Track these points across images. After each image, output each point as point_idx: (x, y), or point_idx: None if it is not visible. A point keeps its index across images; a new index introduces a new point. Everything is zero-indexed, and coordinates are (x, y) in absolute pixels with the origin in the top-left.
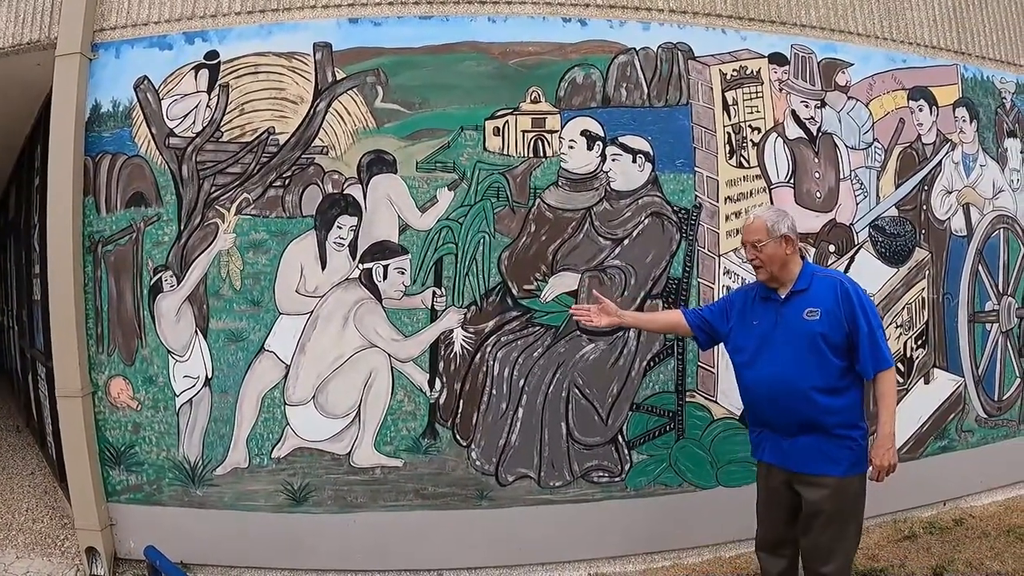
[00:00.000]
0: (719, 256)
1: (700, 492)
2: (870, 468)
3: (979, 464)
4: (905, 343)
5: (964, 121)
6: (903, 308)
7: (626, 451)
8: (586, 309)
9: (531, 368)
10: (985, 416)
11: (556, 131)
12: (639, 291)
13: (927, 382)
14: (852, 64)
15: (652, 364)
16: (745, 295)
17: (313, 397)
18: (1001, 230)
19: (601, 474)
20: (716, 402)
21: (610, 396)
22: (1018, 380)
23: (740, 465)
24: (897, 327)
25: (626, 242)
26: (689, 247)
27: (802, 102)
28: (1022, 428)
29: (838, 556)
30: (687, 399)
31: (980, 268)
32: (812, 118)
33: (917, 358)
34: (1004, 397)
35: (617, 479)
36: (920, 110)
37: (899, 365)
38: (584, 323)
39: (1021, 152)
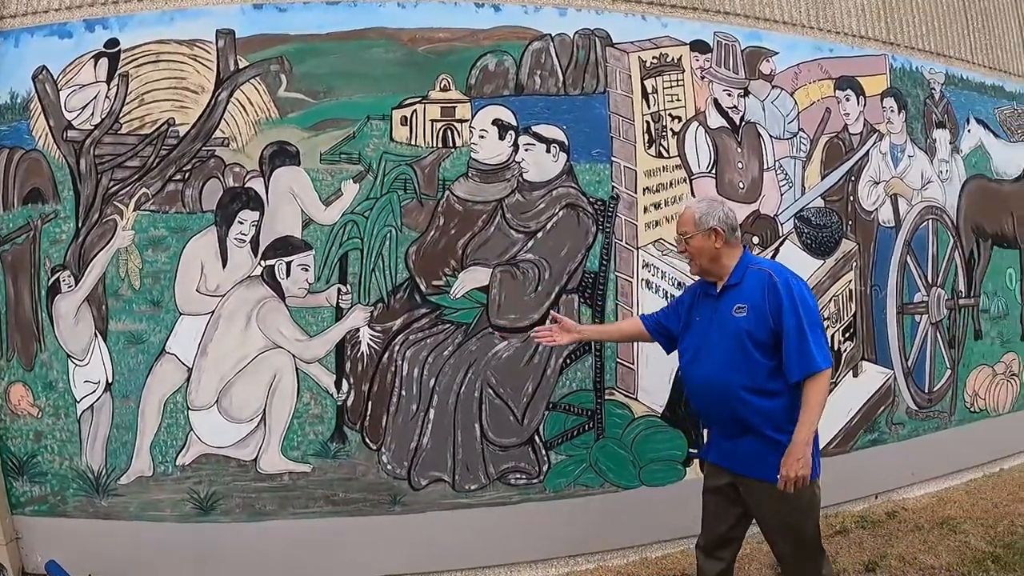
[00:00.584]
0: (637, 249)
1: (623, 492)
2: (779, 476)
3: (911, 456)
4: (833, 336)
5: (892, 111)
6: (830, 300)
7: (544, 452)
8: (547, 330)
9: (442, 367)
10: (916, 408)
11: (466, 120)
12: (553, 286)
13: (856, 375)
14: (777, 53)
15: (568, 361)
16: (693, 291)
17: (216, 401)
18: (930, 221)
19: (518, 476)
20: (637, 400)
21: (525, 395)
22: (948, 371)
23: (663, 464)
24: (824, 320)
25: (540, 235)
26: (606, 240)
27: (725, 91)
28: (953, 420)
29: (797, 553)
30: (606, 397)
31: (909, 259)
32: (735, 107)
33: (845, 351)
34: (935, 389)
35: (535, 481)
36: (847, 100)
37: None
38: (546, 343)
39: (950, 143)
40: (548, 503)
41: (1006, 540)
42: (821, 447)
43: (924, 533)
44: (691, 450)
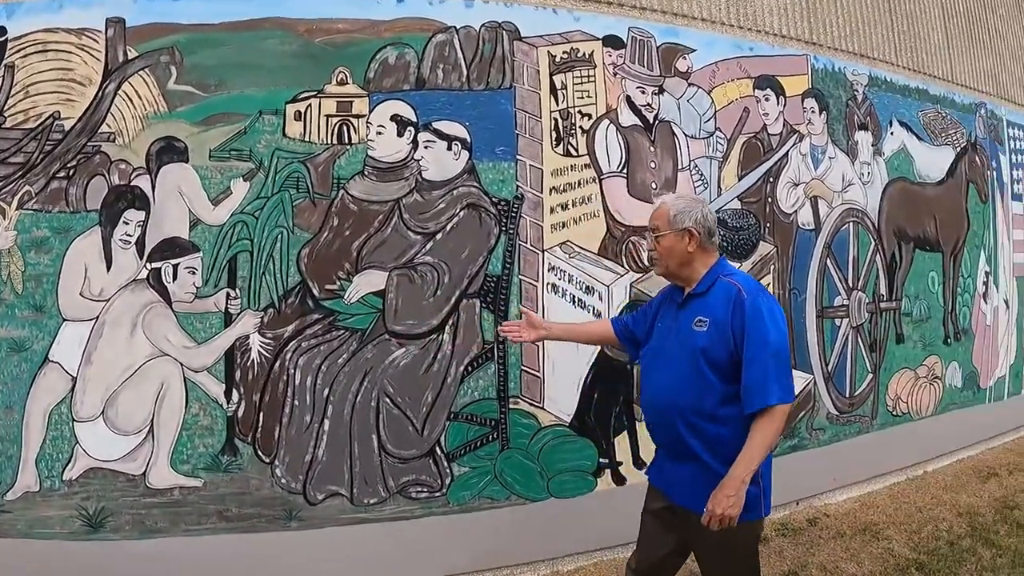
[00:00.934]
0: (543, 251)
1: (530, 505)
2: (705, 510)
3: (832, 461)
4: None
5: (813, 112)
6: None
7: (446, 464)
8: (514, 325)
9: (336, 376)
10: (836, 413)
11: (364, 116)
12: (453, 290)
13: None
14: (695, 50)
15: (470, 369)
16: (663, 294)
17: (102, 412)
18: (851, 223)
19: (420, 489)
20: (543, 408)
21: (424, 405)
22: (870, 375)
23: (572, 475)
24: None
25: (439, 236)
26: (509, 242)
27: (638, 88)
28: (875, 424)
29: None
30: (511, 406)
31: (829, 262)
32: (649, 105)
33: None
34: (856, 393)
35: (438, 494)
36: (767, 99)
37: None
38: (513, 339)
39: (872, 145)
40: (452, 517)
41: (930, 546)
42: None
43: (846, 540)
44: (601, 460)
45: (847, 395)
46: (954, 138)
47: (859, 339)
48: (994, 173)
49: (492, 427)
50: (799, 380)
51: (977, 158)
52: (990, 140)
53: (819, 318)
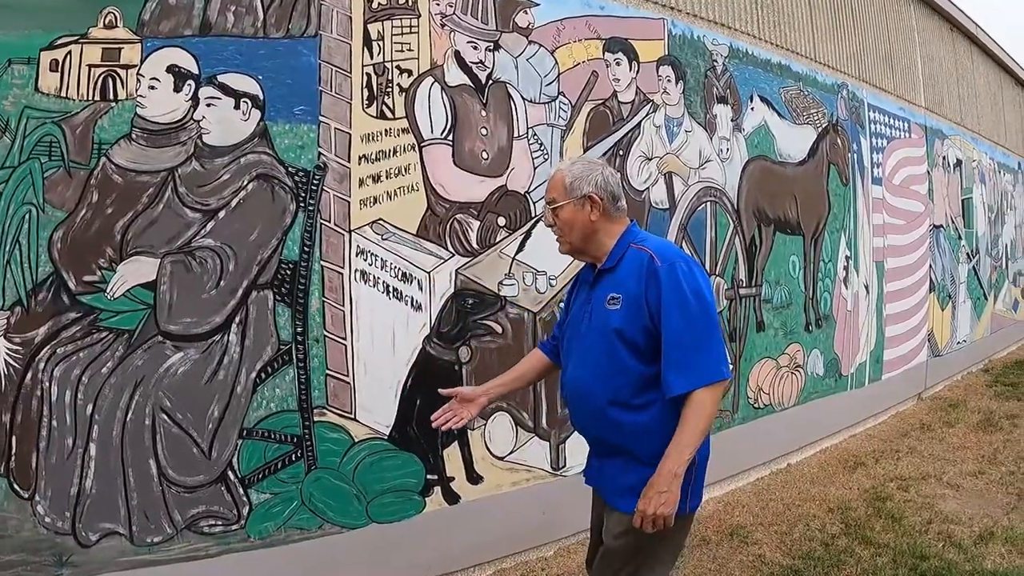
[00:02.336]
0: (350, 232)
1: (348, 533)
2: (635, 510)
3: None
4: None
5: (669, 81)
6: None
7: (241, 491)
8: (445, 410)
9: (101, 389)
10: None
11: (134, 66)
12: (240, 279)
13: None
14: (538, 4)
15: (264, 375)
16: (574, 283)
17: None
18: (708, 203)
19: (213, 522)
20: (355, 420)
21: (210, 421)
22: (730, 366)
23: (396, 495)
24: None
25: (222, 214)
26: (309, 220)
27: (470, 43)
28: (736, 417)
29: None
30: (316, 418)
31: (684, 245)
32: (481, 62)
33: None
34: None
35: (235, 527)
36: (618, 64)
37: None
38: (453, 426)
39: (732, 120)
40: (255, 553)
41: (804, 549)
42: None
43: (713, 547)
44: (429, 476)
45: None
46: (816, 118)
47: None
48: (855, 156)
49: (295, 444)
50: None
51: (839, 139)
52: (852, 122)
53: None
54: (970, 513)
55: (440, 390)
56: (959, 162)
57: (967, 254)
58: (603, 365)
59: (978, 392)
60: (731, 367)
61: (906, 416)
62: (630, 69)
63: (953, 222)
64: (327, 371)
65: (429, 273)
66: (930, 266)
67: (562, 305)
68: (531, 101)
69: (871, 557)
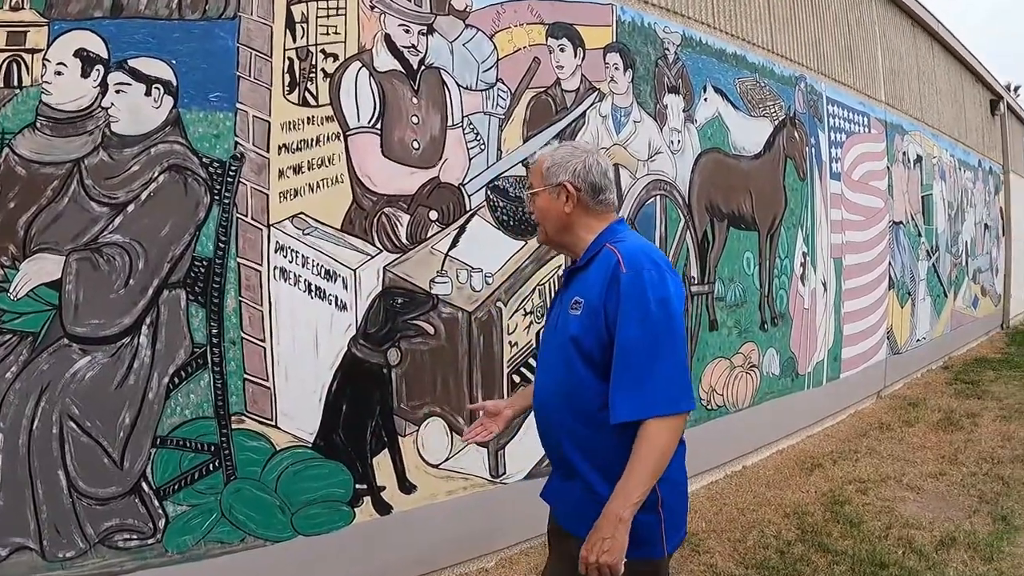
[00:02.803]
0: (269, 227)
1: (273, 546)
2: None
3: None
4: (539, 333)
5: (617, 69)
6: (534, 290)
7: (156, 502)
8: (477, 426)
9: (5, 395)
10: None
11: (40, 50)
12: (151, 278)
13: None
14: None
15: (178, 380)
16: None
17: None
18: (657, 197)
19: (128, 536)
20: (276, 427)
21: (121, 429)
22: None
23: (323, 507)
24: (527, 314)
25: (132, 208)
26: (224, 214)
27: (401, 26)
28: (688, 420)
29: None
30: (234, 426)
31: None
32: (413, 47)
33: None
34: None
35: (151, 541)
36: (562, 50)
37: (532, 362)
38: (483, 439)
39: (684, 111)
40: (173, 568)
41: (758, 558)
42: (533, 467)
43: None
44: (358, 486)
45: None
46: (772, 110)
47: None
48: (813, 150)
49: (212, 453)
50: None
51: (796, 133)
52: (810, 115)
53: None
54: (931, 517)
55: (469, 405)
56: (919, 158)
57: (927, 251)
58: (563, 374)
59: (938, 390)
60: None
61: (865, 415)
62: (575, 56)
63: (913, 219)
64: (245, 375)
65: (354, 271)
66: (889, 263)
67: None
68: (467, 88)
69: (828, 565)
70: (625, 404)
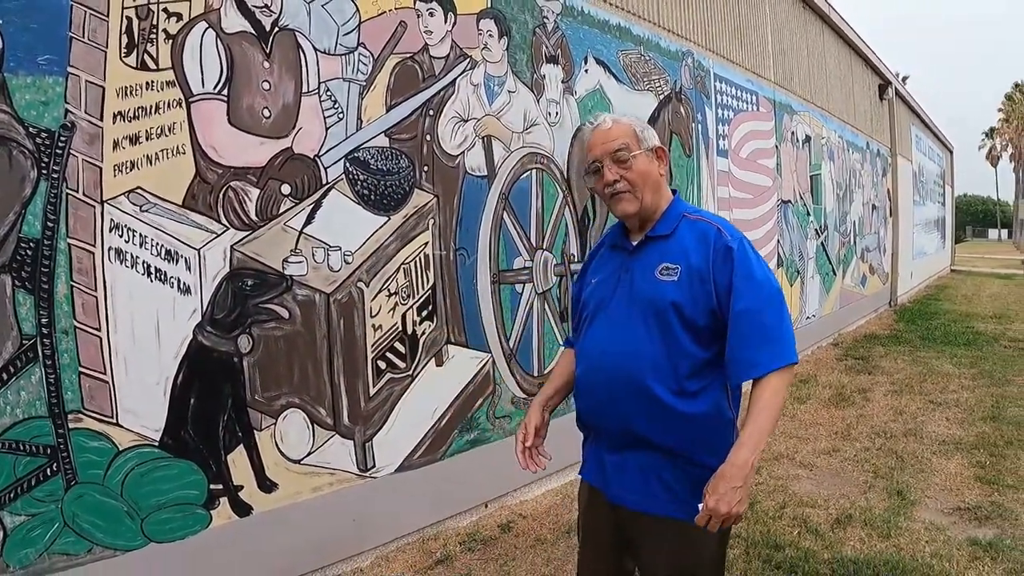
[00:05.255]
0: (103, 203)
1: (123, 556)
2: (700, 506)
3: None
4: (405, 316)
5: (491, 36)
6: (398, 270)
7: None
8: (531, 455)
9: None
10: (524, 396)
11: None
12: None
13: (440, 364)
14: None
15: (6, 376)
16: (595, 252)
17: None
18: (533, 171)
19: None
20: (118, 424)
21: None
22: (562, 348)
23: (175, 510)
24: (391, 294)
25: None
26: (53, 190)
27: None
28: (571, 404)
29: None
30: (71, 425)
31: (506, 216)
32: (266, 7)
33: (423, 334)
34: (546, 370)
35: None
36: (431, 15)
37: (398, 346)
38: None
39: (563, 82)
40: None
41: None
42: (405, 458)
43: (548, 547)
44: (213, 486)
45: (535, 374)
46: (657, 84)
47: (547, 307)
48: (700, 126)
49: (49, 456)
50: (472, 361)
51: (682, 108)
52: (696, 91)
53: (495, 284)
54: (826, 495)
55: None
56: (808, 138)
57: (816, 230)
58: (653, 341)
59: (828, 367)
60: None
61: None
62: (445, 21)
63: (802, 198)
64: (80, 369)
65: (199, 250)
66: (778, 241)
67: (575, 287)
68: (325, 52)
69: None
70: (758, 360)
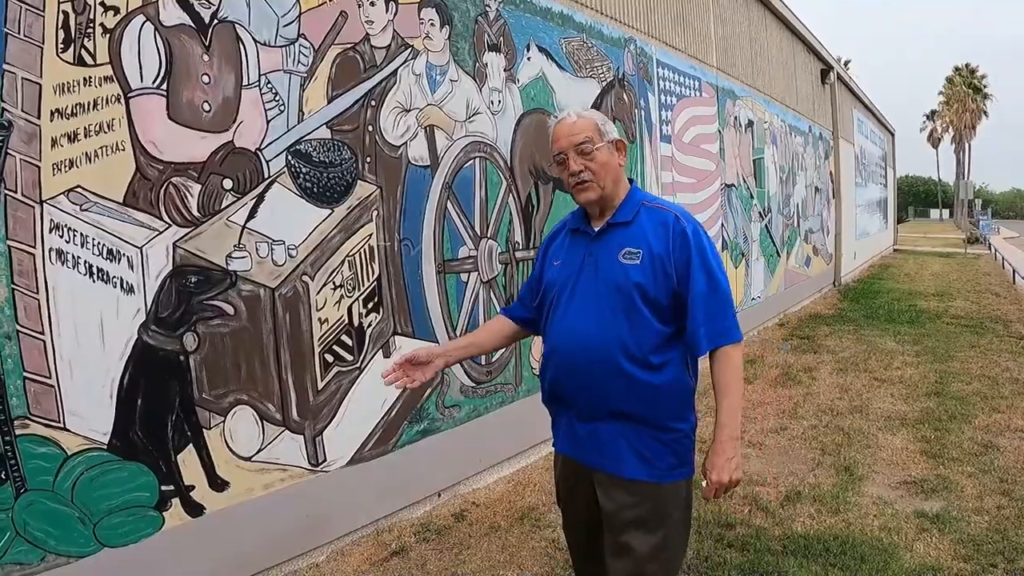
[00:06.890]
0: (42, 203)
1: (77, 563)
2: (704, 482)
3: (474, 441)
4: (351, 308)
5: (432, 25)
6: (343, 262)
7: None
8: (395, 368)
9: None
10: (473, 384)
11: None
12: None
13: (387, 355)
14: None
15: None
16: (555, 235)
17: None
18: (477, 160)
19: None
20: (66, 429)
21: None
22: (498, 313)
23: (127, 514)
24: (337, 287)
25: None
26: None
27: None
28: (521, 390)
29: None
30: (18, 431)
31: (450, 206)
32: (206, 0)
33: (370, 326)
34: (493, 360)
35: None
36: (372, 5)
37: (345, 339)
38: (408, 386)
39: (505, 70)
40: None
41: None
42: (355, 451)
43: (502, 535)
44: (164, 488)
45: (483, 362)
46: (600, 71)
47: (492, 296)
48: (642, 112)
49: None
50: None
51: (625, 95)
52: (639, 78)
53: (440, 274)
54: (775, 472)
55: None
56: (751, 123)
57: (759, 213)
58: (619, 319)
59: (774, 347)
60: None
61: (703, 375)
62: (386, 11)
63: (745, 181)
64: (25, 373)
65: (141, 248)
66: (722, 224)
67: (536, 269)
68: (265, 44)
69: None
70: (710, 335)
